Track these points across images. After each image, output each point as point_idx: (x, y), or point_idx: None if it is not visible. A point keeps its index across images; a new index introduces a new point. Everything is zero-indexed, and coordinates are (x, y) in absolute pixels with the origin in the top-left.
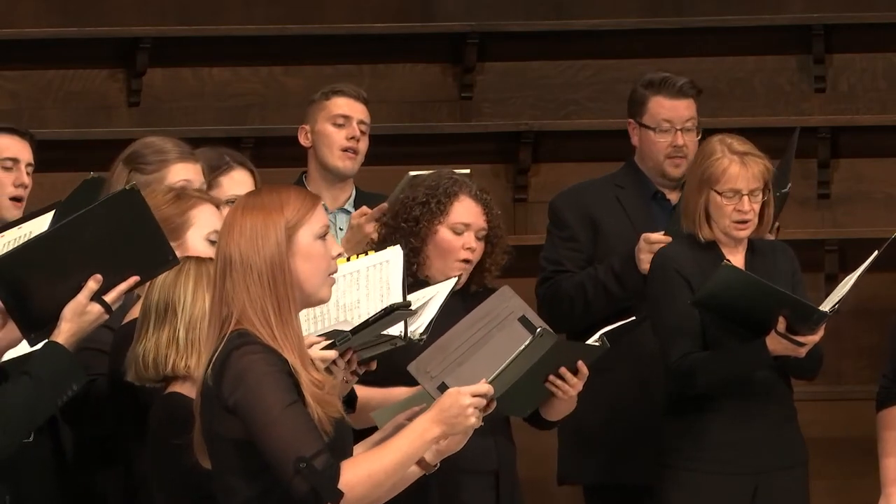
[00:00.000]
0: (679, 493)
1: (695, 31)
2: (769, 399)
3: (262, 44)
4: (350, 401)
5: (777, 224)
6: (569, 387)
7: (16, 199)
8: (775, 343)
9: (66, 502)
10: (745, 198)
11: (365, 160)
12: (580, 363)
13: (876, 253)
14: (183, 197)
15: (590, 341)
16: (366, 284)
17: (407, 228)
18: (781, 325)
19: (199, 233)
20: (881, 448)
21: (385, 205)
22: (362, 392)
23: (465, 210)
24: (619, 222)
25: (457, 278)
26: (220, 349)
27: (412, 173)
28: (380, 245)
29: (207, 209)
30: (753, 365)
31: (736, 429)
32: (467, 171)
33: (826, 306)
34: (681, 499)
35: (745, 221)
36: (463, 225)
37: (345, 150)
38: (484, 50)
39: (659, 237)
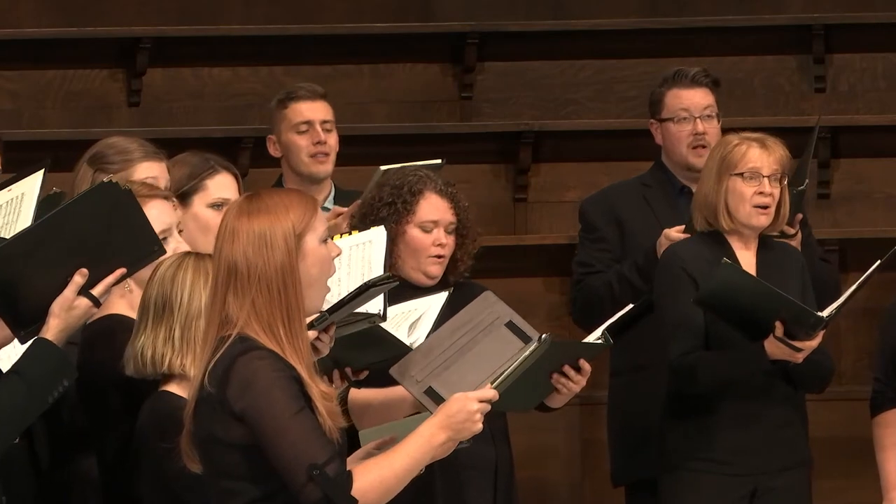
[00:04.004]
0: (679, 493)
1: (695, 31)
2: (771, 400)
3: (262, 44)
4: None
5: (800, 216)
6: (573, 384)
7: None
8: (773, 347)
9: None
10: (766, 180)
11: (364, 160)
12: (582, 361)
13: (878, 262)
14: None
15: (592, 339)
16: (348, 263)
17: None
18: (779, 329)
19: None
20: (880, 453)
21: (358, 202)
22: (362, 394)
23: (432, 207)
24: (645, 221)
25: (448, 292)
26: (221, 355)
27: (383, 168)
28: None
29: (154, 207)
30: (752, 368)
31: (737, 430)
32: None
33: (824, 312)
34: (681, 499)
35: (765, 207)
36: (431, 223)
37: (313, 155)
38: (484, 50)
39: (678, 233)
